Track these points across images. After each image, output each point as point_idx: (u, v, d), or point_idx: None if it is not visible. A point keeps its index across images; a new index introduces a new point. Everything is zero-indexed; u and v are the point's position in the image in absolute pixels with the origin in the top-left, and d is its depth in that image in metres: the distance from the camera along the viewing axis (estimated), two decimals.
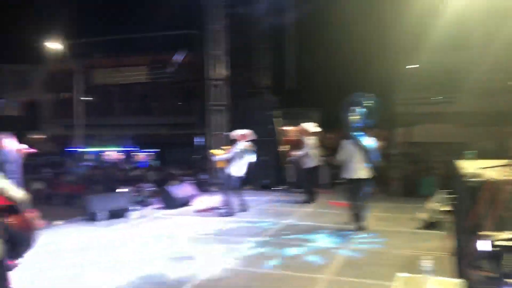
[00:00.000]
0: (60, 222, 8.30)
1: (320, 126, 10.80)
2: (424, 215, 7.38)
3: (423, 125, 19.26)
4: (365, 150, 7.33)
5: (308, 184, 10.08)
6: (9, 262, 3.30)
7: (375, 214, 8.49)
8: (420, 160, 17.67)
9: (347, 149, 7.43)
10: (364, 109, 7.49)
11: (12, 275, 3.38)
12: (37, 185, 19.29)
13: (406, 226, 7.48)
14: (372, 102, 7.64)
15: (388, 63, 16.80)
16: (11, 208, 3.25)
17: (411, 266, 5.20)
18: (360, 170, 7.33)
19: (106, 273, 5.25)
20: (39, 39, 26.43)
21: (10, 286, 3.32)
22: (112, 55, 28.52)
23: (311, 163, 9.83)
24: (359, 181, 7.36)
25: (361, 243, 6.50)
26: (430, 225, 7.17)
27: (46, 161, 28.08)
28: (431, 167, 12.76)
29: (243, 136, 8.93)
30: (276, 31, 15.13)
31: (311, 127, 10.04)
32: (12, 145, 5.78)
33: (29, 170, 24.34)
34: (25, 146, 6.01)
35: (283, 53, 15.35)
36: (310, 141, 9.81)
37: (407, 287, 3.42)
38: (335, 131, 15.60)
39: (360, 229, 7.23)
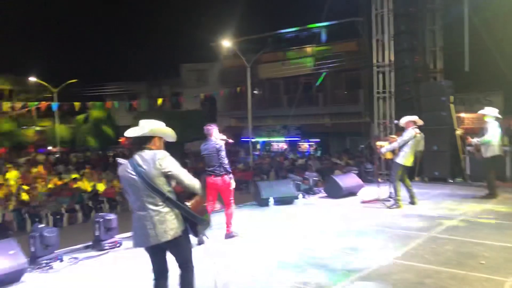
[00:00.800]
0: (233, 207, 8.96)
1: (502, 111, 9.55)
2: None
3: None
4: None
5: (489, 176, 9.01)
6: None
7: None
8: None
9: None
10: None
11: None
12: None
13: None
14: None
15: None
16: (188, 193, 3.69)
17: None
18: None
19: (286, 252, 5.50)
20: (213, 39, 28.91)
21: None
22: (279, 49, 29.65)
23: (493, 152, 8.74)
24: None
25: None
26: None
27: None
28: None
29: (412, 123, 8.38)
30: (447, 9, 13.85)
31: (493, 112, 8.91)
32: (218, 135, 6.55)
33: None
34: (224, 136, 6.68)
35: (456, 33, 13.98)
36: (491, 128, 8.72)
37: None
38: None
39: None
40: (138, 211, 3.57)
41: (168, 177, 3.57)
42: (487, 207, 8.13)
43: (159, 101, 26.12)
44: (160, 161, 3.51)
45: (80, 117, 36.49)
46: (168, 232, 3.49)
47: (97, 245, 6.18)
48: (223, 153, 6.35)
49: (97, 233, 6.21)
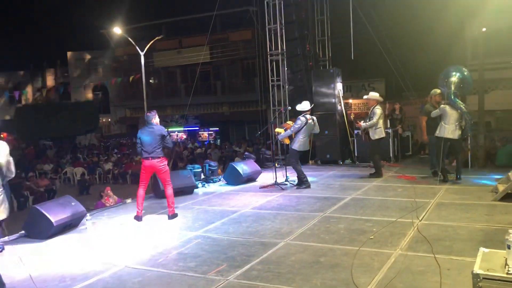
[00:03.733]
0: (129, 200, 8.63)
1: (384, 97, 10.34)
2: (503, 187, 6.88)
3: (497, 91, 18.04)
4: (460, 114, 8.22)
5: (375, 157, 9.72)
6: None
7: (451, 186, 8.10)
8: (495, 129, 16.57)
9: (444, 111, 8.30)
10: (456, 79, 8.25)
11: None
12: (107, 166, 20.28)
13: (485, 199, 7.02)
14: (463, 72, 8.33)
15: (454, 29, 15.73)
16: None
17: (491, 240, 4.87)
18: (453, 132, 8.24)
19: (186, 242, 5.37)
20: (103, 25, 27.41)
21: None
22: (174, 37, 29.02)
23: (377, 135, 9.43)
24: (449, 141, 8.25)
25: (435, 217, 6.16)
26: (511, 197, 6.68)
27: (115, 143, 29.49)
28: (507, 136, 11.90)
29: (305, 109, 8.78)
30: (334, 0, 14.59)
31: (376, 97, 9.61)
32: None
33: (100, 152, 25.56)
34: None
35: (342, 23, 14.80)
36: (376, 112, 9.39)
37: (491, 263, 3.14)
38: (400, 101, 14.96)
39: (444, 181, 8.39)
40: None
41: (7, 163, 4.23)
42: (375, 185, 8.76)
43: (44, 92, 24.18)
44: (7, 150, 4.21)
45: None
46: (3, 212, 4.11)
47: None
48: (169, 138, 7.07)
49: None
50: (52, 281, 4.52)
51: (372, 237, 5.36)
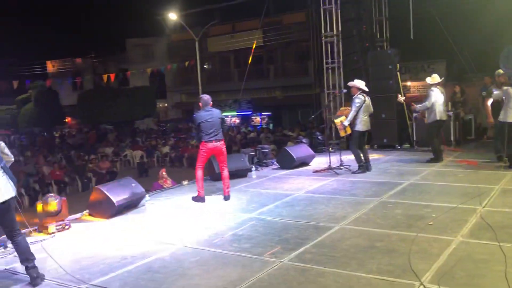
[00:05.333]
0: (186, 182, 8.85)
1: (445, 78, 9.86)
2: None
3: None
4: None
5: (434, 141, 9.34)
6: None
7: None
8: None
9: (507, 93, 7.75)
10: None
11: None
12: (165, 149, 20.89)
13: None
14: None
15: None
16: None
17: None
18: None
19: (240, 225, 5.46)
20: (159, 12, 27.97)
21: None
22: (227, 21, 29.14)
23: (436, 118, 9.03)
24: None
25: (500, 203, 5.86)
26: None
27: (172, 127, 30.25)
28: None
29: (357, 90, 8.56)
30: None
31: (436, 79, 9.17)
32: None
33: (157, 136, 26.33)
34: None
35: (401, 2, 14.22)
36: (436, 94, 8.99)
37: None
38: (462, 83, 14.27)
39: (510, 167, 7.82)
40: None
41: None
42: (433, 170, 8.44)
43: (105, 78, 25.12)
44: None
45: (22, 97, 34.61)
46: (8, 192, 4.19)
47: (42, 229, 5.90)
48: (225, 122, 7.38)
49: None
50: (113, 258, 4.73)
51: (431, 223, 5.18)
